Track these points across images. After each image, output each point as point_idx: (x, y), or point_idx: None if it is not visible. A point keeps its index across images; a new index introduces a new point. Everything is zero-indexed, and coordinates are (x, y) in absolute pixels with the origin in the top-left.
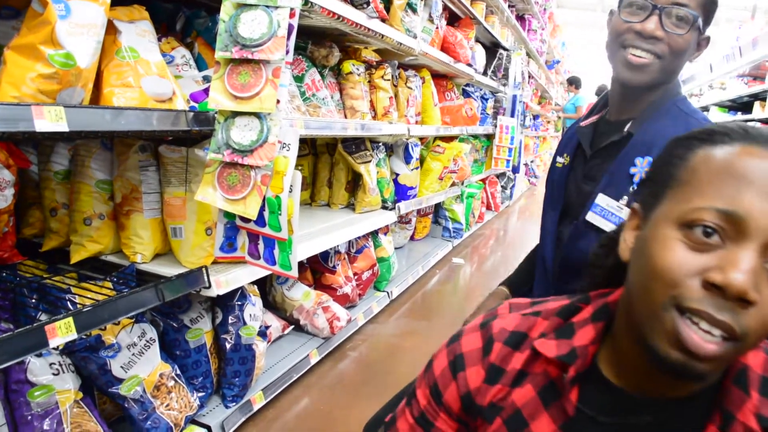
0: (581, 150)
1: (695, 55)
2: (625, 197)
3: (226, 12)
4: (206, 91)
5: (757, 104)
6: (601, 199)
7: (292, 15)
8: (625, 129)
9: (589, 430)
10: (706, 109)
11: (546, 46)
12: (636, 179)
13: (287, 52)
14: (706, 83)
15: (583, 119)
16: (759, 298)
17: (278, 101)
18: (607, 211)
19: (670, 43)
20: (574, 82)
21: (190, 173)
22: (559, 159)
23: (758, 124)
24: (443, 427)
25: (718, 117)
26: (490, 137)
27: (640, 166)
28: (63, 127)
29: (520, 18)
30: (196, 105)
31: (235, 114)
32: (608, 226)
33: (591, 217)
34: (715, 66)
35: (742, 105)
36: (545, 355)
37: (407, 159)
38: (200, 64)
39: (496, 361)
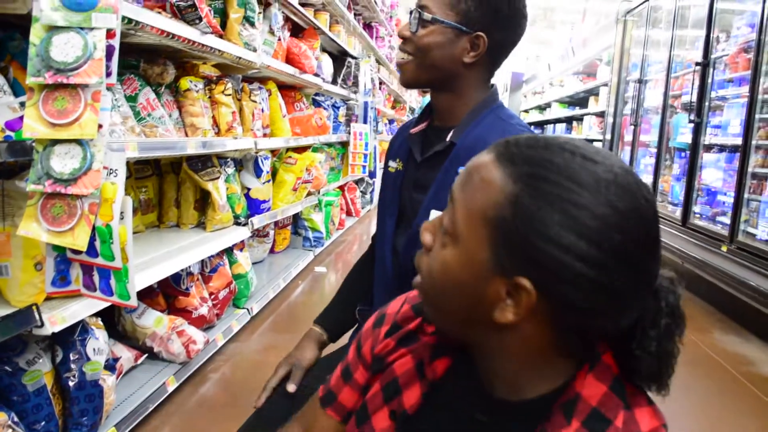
0: (413, 157)
1: (472, 54)
2: None
3: (36, 35)
4: (23, 118)
5: (591, 99)
6: (432, 214)
7: (110, 35)
8: (448, 138)
9: (441, 407)
10: (548, 105)
11: (395, 53)
12: None
13: (109, 74)
14: (547, 81)
15: (412, 125)
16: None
17: (101, 126)
18: None
19: (415, 41)
20: None
21: (12, 206)
22: (392, 164)
23: (594, 118)
24: (359, 378)
25: (558, 112)
26: (345, 145)
27: None
28: None
29: (368, 26)
30: (12, 134)
31: (55, 142)
32: None
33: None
34: (553, 65)
35: (579, 100)
36: (426, 329)
37: (258, 173)
38: (17, 90)
39: (399, 320)
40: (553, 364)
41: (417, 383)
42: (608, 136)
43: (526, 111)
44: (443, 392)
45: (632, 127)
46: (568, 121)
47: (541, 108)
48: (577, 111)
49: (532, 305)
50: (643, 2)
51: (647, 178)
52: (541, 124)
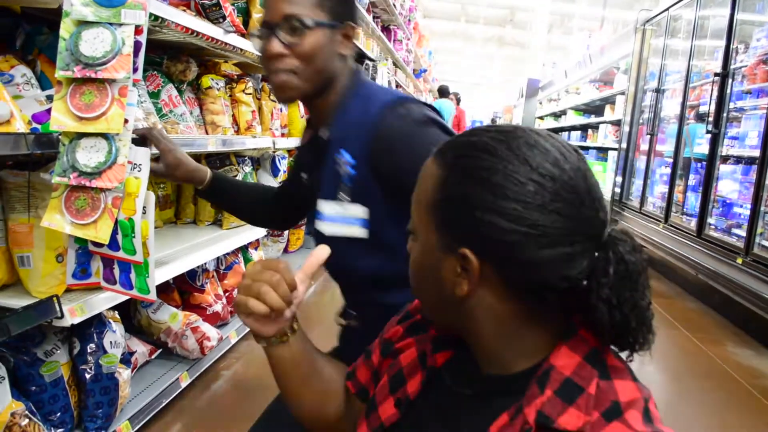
0: (308, 167)
1: (349, 46)
2: (341, 194)
3: (66, 29)
4: (50, 111)
5: (607, 107)
6: (323, 206)
7: (138, 32)
8: (323, 136)
9: (439, 390)
10: (564, 112)
11: (412, 56)
12: (343, 176)
13: (135, 70)
14: (563, 88)
15: (303, 139)
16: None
17: (126, 120)
18: (333, 216)
19: (294, 53)
20: (440, 91)
21: (36, 198)
22: (303, 175)
23: (609, 126)
24: (374, 359)
25: (573, 120)
26: None
27: (341, 161)
28: None
29: (386, 29)
30: (38, 127)
31: (81, 135)
32: (342, 229)
33: (320, 225)
34: (570, 72)
35: (595, 108)
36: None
37: (275, 172)
38: (44, 83)
39: (411, 309)
40: (528, 335)
41: (419, 372)
42: (624, 145)
43: (542, 118)
44: (442, 377)
45: (648, 136)
46: (584, 129)
47: (557, 115)
48: (593, 119)
49: (478, 272)
50: (663, 11)
51: (662, 188)
52: (556, 132)
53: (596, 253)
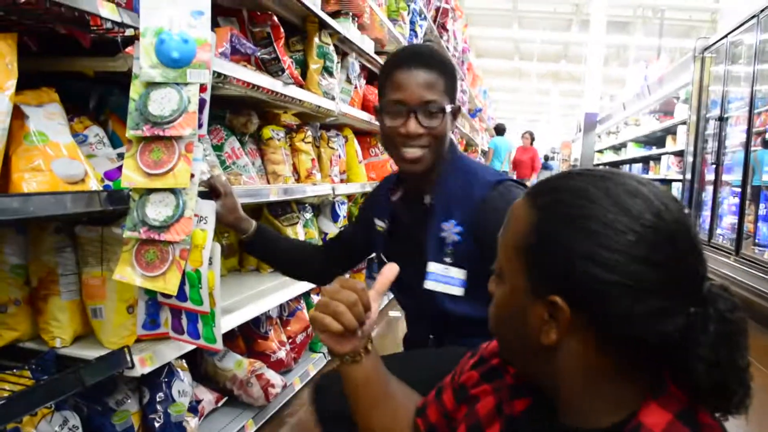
0: (398, 220)
1: (455, 124)
2: (446, 259)
3: (135, 91)
4: (121, 168)
5: (669, 138)
6: (432, 266)
7: (203, 90)
8: (426, 201)
9: None
10: (624, 145)
11: (467, 96)
12: (448, 241)
13: (200, 126)
14: (622, 121)
15: (389, 187)
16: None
17: (192, 175)
18: (437, 275)
19: (431, 133)
20: (496, 129)
21: (108, 252)
22: (379, 223)
23: (672, 158)
24: (446, 400)
25: (634, 152)
26: None
27: (448, 230)
28: None
29: None
30: (110, 183)
31: (150, 191)
32: (443, 288)
33: (427, 284)
34: (628, 104)
35: (656, 140)
36: (510, 369)
37: (335, 217)
38: (115, 142)
39: (486, 354)
40: (615, 389)
41: (497, 421)
42: (688, 176)
43: (601, 151)
44: (521, 426)
45: (713, 166)
46: (645, 161)
47: (616, 148)
48: (654, 151)
49: (568, 321)
50: (722, 38)
51: (731, 219)
52: (616, 165)
53: (693, 309)
